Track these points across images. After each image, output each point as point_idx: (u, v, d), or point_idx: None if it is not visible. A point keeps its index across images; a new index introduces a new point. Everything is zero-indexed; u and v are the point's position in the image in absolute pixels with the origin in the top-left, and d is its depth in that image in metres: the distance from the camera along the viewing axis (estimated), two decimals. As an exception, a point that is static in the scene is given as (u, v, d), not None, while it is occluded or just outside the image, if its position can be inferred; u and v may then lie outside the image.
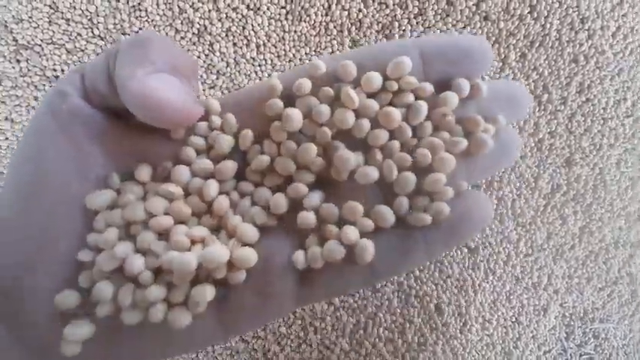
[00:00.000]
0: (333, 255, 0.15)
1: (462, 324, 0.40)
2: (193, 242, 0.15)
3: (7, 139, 0.35)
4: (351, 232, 0.15)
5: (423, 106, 0.16)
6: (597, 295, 0.42)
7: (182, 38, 0.36)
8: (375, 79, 0.16)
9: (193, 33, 0.36)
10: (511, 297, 0.40)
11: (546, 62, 0.39)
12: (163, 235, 0.15)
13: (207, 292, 0.15)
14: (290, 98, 0.17)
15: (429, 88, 0.16)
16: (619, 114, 0.40)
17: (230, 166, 0.17)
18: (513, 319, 0.41)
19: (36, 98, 0.35)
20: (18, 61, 0.35)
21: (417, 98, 0.16)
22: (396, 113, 0.16)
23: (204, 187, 0.16)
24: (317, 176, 0.17)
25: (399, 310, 0.39)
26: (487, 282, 0.40)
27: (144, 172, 0.16)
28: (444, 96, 0.16)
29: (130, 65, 0.13)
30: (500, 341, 0.41)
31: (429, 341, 0.39)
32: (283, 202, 0.16)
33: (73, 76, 0.15)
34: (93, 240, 0.15)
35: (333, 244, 0.15)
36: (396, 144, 0.16)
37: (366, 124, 0.16)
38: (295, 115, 0.16)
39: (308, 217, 0.16)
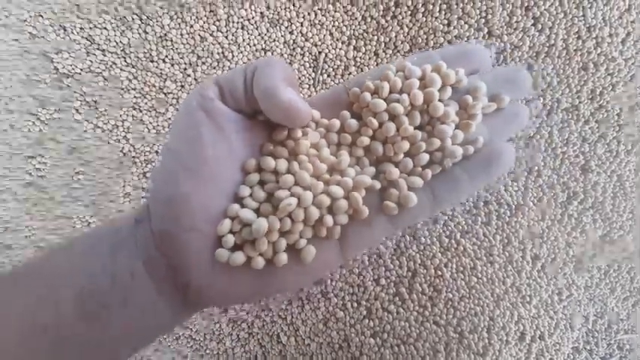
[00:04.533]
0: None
1: (486, 336, 0.39)
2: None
3: (51, 157, 0.40)
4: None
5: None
6: (621, 306, 0.40)
7: (203, 63, 0.39)
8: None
9: (214, 59, 0.39)
10: (531, 308, 0.40)
11: (554, 72, 0.39)
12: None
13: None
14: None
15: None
16: (635, 120, 0.40)
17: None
18: (536, 331, 0.40)
19: (77, 121, 0.39)
20: (60, 88, 0.39)
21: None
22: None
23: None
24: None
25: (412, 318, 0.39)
26: (506, 293, 0.40)
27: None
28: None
29: (272, 80, 0.19)
30: (525, 351, 0.40)
31: (451, 354, 0.39)
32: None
33: (211, 86, 0.20)
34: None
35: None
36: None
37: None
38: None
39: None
